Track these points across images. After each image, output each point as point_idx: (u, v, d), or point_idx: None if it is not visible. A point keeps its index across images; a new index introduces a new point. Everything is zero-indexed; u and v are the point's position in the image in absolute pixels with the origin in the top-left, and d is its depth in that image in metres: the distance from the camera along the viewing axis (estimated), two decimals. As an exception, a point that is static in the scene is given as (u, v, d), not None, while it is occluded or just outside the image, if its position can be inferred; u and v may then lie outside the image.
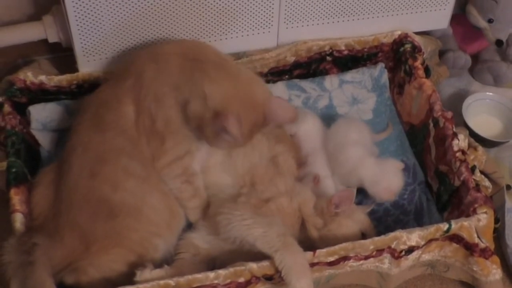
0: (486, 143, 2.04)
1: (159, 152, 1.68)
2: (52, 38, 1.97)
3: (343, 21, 2.03)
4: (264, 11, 1.94)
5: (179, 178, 1.71)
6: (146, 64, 1.72)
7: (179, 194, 1.72)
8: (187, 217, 1.75)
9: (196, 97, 1.63)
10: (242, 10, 1.92)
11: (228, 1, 1.88)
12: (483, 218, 1.68)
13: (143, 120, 1.68)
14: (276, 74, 2.06)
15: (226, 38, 1.97)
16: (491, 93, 2.19)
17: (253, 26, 1.97)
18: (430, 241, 1.66)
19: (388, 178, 1.83)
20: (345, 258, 1.60)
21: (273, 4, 1.92)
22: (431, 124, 1.90)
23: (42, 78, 1.91)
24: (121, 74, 1.75)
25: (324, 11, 1.99)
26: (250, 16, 1.94)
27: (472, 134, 1.99)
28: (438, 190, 1.88)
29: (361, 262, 1.63)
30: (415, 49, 2.06)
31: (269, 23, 1.97)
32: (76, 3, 1.77)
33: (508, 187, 1.93)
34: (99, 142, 1.66)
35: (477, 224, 1.67)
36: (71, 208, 1.61)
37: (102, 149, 1.66)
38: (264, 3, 1.91)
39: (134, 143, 1.67)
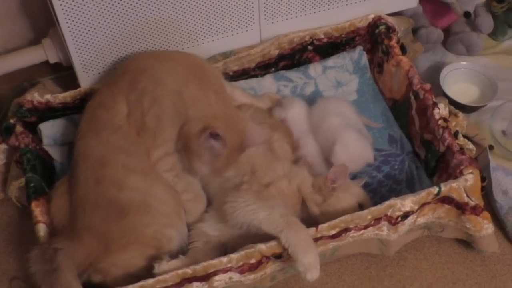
0: (466, 109, 2.03)
1: (152, 147, 1.67)
2: (53, 59, 1.97)
3: (319, 11, 2.02)
4: (245, 11, 1.93)
5: (170, 172, 1.69)
6: (149, 62, 1.73)
7: (174, 186, 1.70)
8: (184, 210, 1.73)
9: (193, 119, 1.67)
10: (225, 13, 1.92)
11: (212, 7, 1.88)
12: (470, 178, 1.67)
13: (135, 114, 1.66)
14: (263, 68, 2.05)
15: (213, 40, 1.96)
16: (465, 62, 2.17)
17: (237, 26, 1.96)
18: (423, 205, 1.65)
19: (358, 152, 1.83)
20: (346, 230, 1.60)
21: (252, 3, 1.91)
22: (412, 97, 1.89)
23: (48, 97, 1.90)
24: (119, 73, 1.74)
25: (300, 4, 1.98)
26: (233, 17, 1.93)
27: (452, 102, 1.98)
28: (426, 157, 1.87)
29: (362, 232, 1.62)
30: (389, 29, 2.04)
31: (251, 22, 1.97)
32: (71, 24, 1.77)
33: (490, 147, 1.92)
34: (95, 146, 1.65)
35: (465, 184, 1.66)
36: (85, 214, 1.60)
37: (99, 152, 1.64)
38: (244, 3, 1.91)
39: (129, 139, 1.66)
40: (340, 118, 1.88)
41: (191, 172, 1.71)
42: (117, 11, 1.79)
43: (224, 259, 1.52)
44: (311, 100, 1.99)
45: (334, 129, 1.85)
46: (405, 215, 1.63)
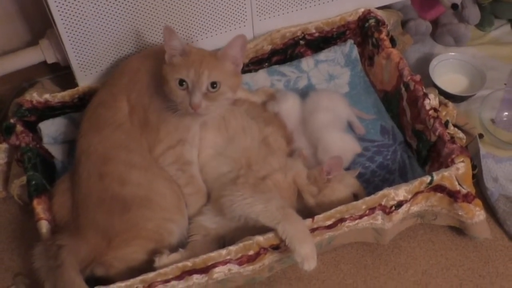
0: (455, 98, 2.03)
1: (155, 142, 1.67)
2: (50, 59, 1.96)
3: (310, 6, 2.01)
4: (238, 8, 1.93)
5: (172, 166, 1.69)
6: (142, 61, 1.73)
7: (176, 180, 1.70)
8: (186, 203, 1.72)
9: None
10: (218, 10, 1.91)
11: (205, 5, 1.87)
12: (461, 166, 1.67)
13: (138, 111, 1.66)
14: (256, 63, 2.05)
15: (207, 37, 1.95)
16: (453, 53, 2.17)
17: (230, 23, 1.95)
18: (416, 194, 1.65)
19: (339, 151, 1.80)
20: (342, 220, 1.60)
21: (244, 0, 1.91)
22: (403, 89, 1.89)
23: (47, 96, 1.90)
24: (116, 75, 1.74)
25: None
26: (226, 14, 1.93)
27: (442, 92, 1.98)
28: (417, 147, 1.86)
29: (357, 221, 1.62)
30: (379, 22, 2.04)
31: (244, 18, 1.96)
32: (67, 25, 1.76)
33: (480, 135, 1.93)
34: (97, 143, 1.65)
35: (456, 173, 1.66)
36: (88, 210, 1.60)
37: (101, 149, 1.64)
38: (237, 1, 1.90)
39: (131, 136, 1.66)
40: (327, 114, 1.88)
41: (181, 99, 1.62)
42: (113, 11, 1.78)
43: (223, 252, 1.52)
44: (304, 94, 1.99)
45: (318, 127, 1.85)
46: (399, 204, 1.63)
